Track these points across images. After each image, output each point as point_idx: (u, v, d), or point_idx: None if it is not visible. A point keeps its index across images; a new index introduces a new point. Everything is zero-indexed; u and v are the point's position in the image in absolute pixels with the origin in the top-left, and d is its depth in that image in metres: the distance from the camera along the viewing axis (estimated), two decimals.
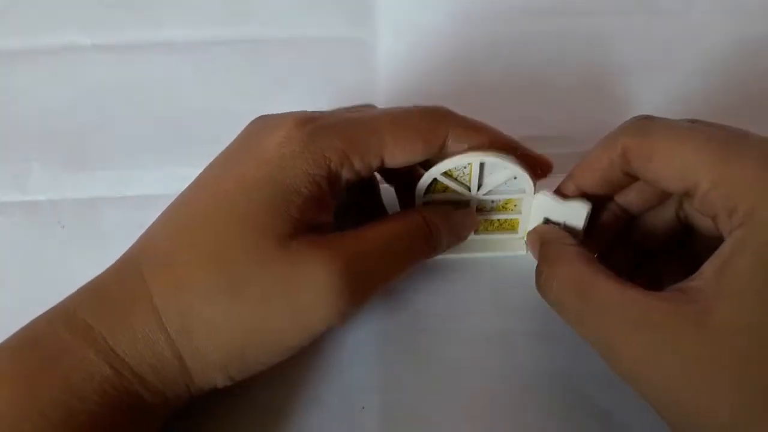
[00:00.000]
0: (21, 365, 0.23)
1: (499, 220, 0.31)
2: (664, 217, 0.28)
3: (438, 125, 0.26)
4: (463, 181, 0.28)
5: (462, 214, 0.29)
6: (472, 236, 0.31)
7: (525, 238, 0.31)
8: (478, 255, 0.31)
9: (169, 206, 0.26)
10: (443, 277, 0.31)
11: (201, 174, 0.26)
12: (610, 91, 0.37)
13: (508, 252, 0.31)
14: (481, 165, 0.27)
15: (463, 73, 0.38)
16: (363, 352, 0.29)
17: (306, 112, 0.26)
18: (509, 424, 0.27)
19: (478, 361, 0.29)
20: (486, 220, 0.31)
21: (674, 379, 0.21)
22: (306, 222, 0.24)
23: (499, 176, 0.28)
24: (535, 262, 0.27)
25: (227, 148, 0.27)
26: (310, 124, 0.25)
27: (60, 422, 0.22)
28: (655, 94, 0.37)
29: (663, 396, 0.21)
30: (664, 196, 0.28)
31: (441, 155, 0.27)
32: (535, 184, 0.28)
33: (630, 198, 0.28)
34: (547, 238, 0.27)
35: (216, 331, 0.23)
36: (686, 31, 0.39)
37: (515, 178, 0.28)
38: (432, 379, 0.28)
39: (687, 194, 0.23)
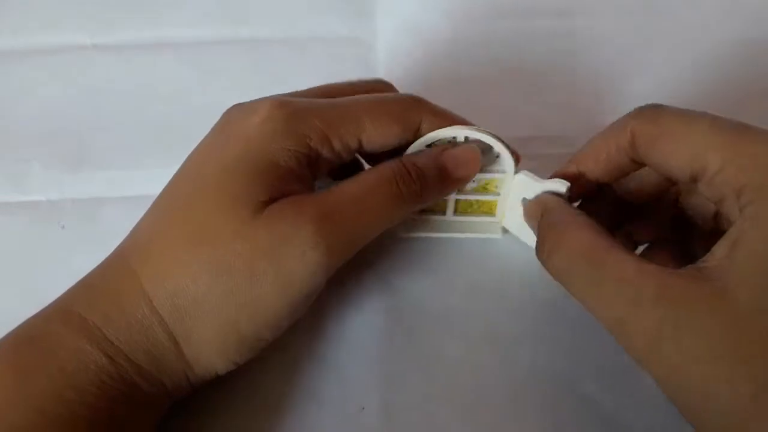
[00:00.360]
0: (17, 360, 0.23)
1: (478, 201, 0.31)
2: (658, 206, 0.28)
3: (412, 111, 0.27)
4: None
5: (459, 151, 0.28)
6: (450, 217, 0.31)
7: (501, 221, 0.31)
8: (455, 235, 0.32)
9: (155, 199, 0.26)
10: (444, 277, 0.31)
11: (182, 164, 0.27)
12: (608, 91, 0.38)
13: (484, 234, 0.32)
14: (466, 140, 0.28)
15: (462, 73, 0.38)
16: (363, 352, 0.29)
17: (283, 96, 0.27)
18: (509, 424, 0.27)
19: (478, 361, 0.29)
20: (465, 201, 0.31)
21: (691, 357, 0.20)
22: (283, 191, 0.25)
23: (483, 158, 0.28)
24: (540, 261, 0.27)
25: (206, 137, 0.27)
26: (290, 105, 0.26)
27: (57, 415, 0.22)
28: (655, 94, 0.37)
29: (677, 376, 0.20)
30: (663, 186, 0.28)
31: (414, 139, 0.28)
32: (516, 165, 0.29)
33: (630, 186, 0.28)
34: (551, 206, 0.27)
35: (206, 308, 0.24)
36: (686, 31, 0.39)
37: (497, 156, 0.28)
38: (432, 379, 0.28)
39: (694, 179, 0.23)
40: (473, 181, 0.30)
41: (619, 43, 0.39)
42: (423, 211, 0.31)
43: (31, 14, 0.41)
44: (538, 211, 0.27)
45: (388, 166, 0.27)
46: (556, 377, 0.28)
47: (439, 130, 0.28)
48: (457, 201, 0.31)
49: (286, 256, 0.24)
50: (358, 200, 0.26)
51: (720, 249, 0.21)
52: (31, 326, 0.24)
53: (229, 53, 0.39)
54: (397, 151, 0.28)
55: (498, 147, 0.28)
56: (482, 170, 0.29)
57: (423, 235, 0.32)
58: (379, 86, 0.31)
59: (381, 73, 0.38)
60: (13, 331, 0.24)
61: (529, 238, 0.29)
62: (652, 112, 0.24)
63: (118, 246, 0.26)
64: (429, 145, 0.28)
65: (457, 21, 0.40)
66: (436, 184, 0.28)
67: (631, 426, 0.27)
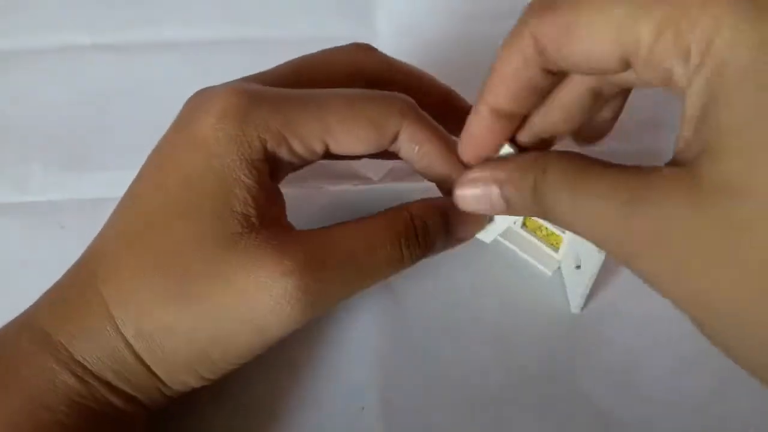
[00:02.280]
0: None
1: (548, 229, 0.30)
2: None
3: (391, 118, 0.24)
4: None
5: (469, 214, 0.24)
6: (517, 227, 0.30)
7: (559, 261, 0.30)
8: (512, 248, 0.30)
9: (119, 202, 0.25)
10: (444, 277, 0.31)
11: (145, 162, 0.25)
12: None
13: (538, 264, 0.30)
14: None
15: (463, 73, 0.38)
16: (363, 352, 0.29)
17: (244, 83, 0.24)
18: (509, 424, 0.27)
19: (478, 360, 0.29)
20: (536, 222, 0.30)
21: (682, 262, 0.17)
22: (253, 215, 0.22)
23: None
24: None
25: (167, 132, 0.25)
26: (246, 98, 0.23)
27: None
28: (654, 93, 0.37)
29: (681, 285, 0.18)
30: (596, 102, 0.23)
31: (391, 150, 0.25)
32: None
33: (554, 118, 0.23)
34: (513, 168, 0.22)
35: (173, 335, 0.22)
36: None
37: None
38: (432, 378, 0.28)
39: (626, 62, 0.19)
40: None
41: None
42: None
43: (31, 14, 0.41)
44: (488, 192, 0.23)
45: (395, 220, 0.24)
46: (555, 377, 0.28)
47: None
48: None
49: (262, 306, 0.22)
50: (353, 257, 0.23)
51: (682, 133, 0.18)
52: (1, 338, 0.23)
53: (229, 53, 0.39)
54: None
55: None
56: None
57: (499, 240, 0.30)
58: (360, 54, 0.27)
59: None
60: None
61: (573, 293, 0.29)
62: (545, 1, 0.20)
63: (85, 253, 0.25)
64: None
65: (458, 21, 0.40)
66: (440, 246, 0.25)
67: (630, 424, 0.27)
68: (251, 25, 0.40)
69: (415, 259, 0.24)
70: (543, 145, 0.24)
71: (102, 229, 0.25)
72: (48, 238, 0.33)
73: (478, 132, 0.23)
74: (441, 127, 0.25)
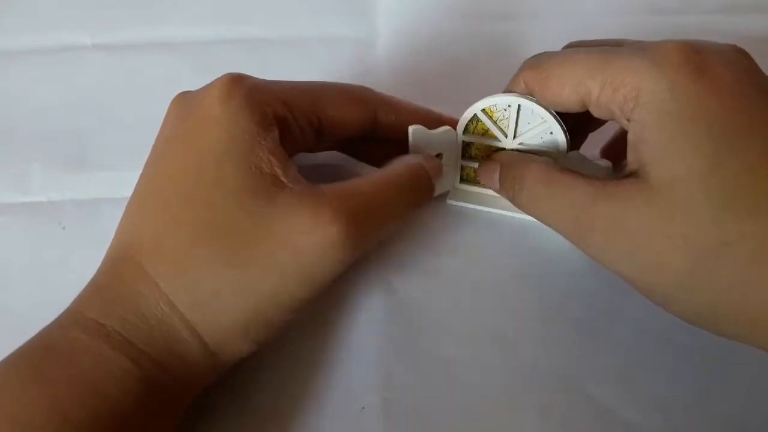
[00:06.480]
0: (39, 369, 0.23)
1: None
2: None
3: (367, 95, 0.29)
4: (501, 126, 0.29)
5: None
6: (493, 194, 0.32)
7: None
8: (501, 212, 0.32)
9: (133, 198, 0.27)
10: (444, 276, 0.31)
11: (151, 160, 0.27)
12: None
13: (505, 210, 0.32)
14: (519, 113, 0.28)
15: (463, 73, 0.38)
16: (363, 352, 0.29)
17: (232, 73, 0.27)
18: (509, 424, 0.27)
19: (478, 361, 0.29)
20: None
21: (635, 240, 0.23)
22: (281, 174, 0.25)
23: (535, 130, 0.29)
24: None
25: (165, 130, 0.27)
26: (245, 81, 0.26)
27: (83, 423, 0.22)
28: None
29: (630, 259, 0.24)
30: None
31: (375, 128, 0.29)
32: (568, 143, 0.29)
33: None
34: (505, 159, 0.29)
35: (227, 299, 0.24)
36: (686, 31, 0.39)
37: (551, 133, 0.29)
38: (432, 379, 0.28)
39: (584, 106, 0.26)
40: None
41: None
42: (473, 183, 0.32)
43: (31, 14, 0.41)
44: (496, 168, 0.29)
45: (411, 169, 0.28)
46: (556, 376, 0.28)
47: (496, 95, 0.28)
48: None
49: (307, 252, 0.24)
50: (382, 202, 0.27)
51: (630, 154, 0.25)
52: (48, 335, 0.24)
53: (229, 53, 0.39)
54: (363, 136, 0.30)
55: (551, 123, 0.28)
56: (532, 144, 0.29)
57: (471, 206, 0.32)
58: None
59: (381, 73, 0.38)
60: (30, 340, 0.24)
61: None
62: (535, 59, 0.27)
63: (115, 250, 0.26)
64: (473, 119, 0.29)
65: (457, 21, 0.40)
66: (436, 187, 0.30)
67: (630, 423, 0.27)
68: (251, 25, 0.40)
69: (427, 197, 0.30)
70: None
71: (122, 227, 0.26)
72: (48, 238, 0.33)
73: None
74: (403, 100, 0.31)
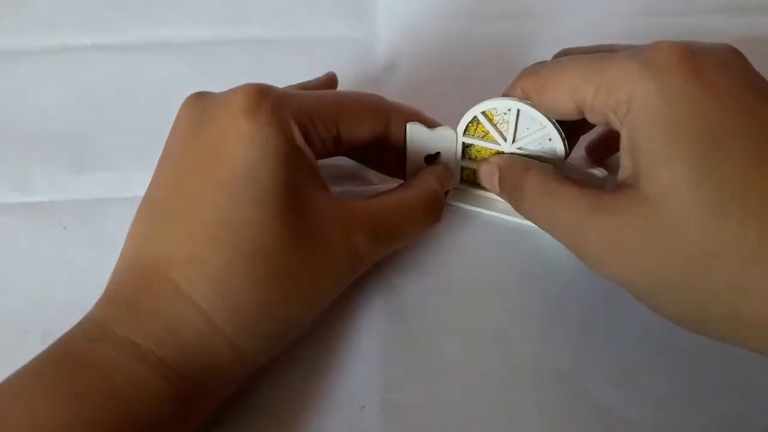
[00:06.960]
0: (68, 383, 0.22)
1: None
2: None
3: (381, 104, 0.30)
4: (501, 130, 0.29)
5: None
6: (493, 196, 0.32)
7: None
8: (499, 215, 0.32)
9: (155, 205, 0.26)
10: (445, 276, 0.31)
11: (166, 165, 0.27)
12: None
13: (525, 220, 0.31)
14: (518, 118, 0.29)
15: (463, 73, 0.38)
16: (363, 352, 0.29)
17: (255, 84, 0.26)
18: (509, 424, 0.27)
19: (479, 361, 0.29)
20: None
21: (629, 250, 0.24)
22: (316, 188, 0.26)
23: (534, 136, 0.29)
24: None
25: (183, 135, 0.27)
26: (271, 94, 0.26)
27: None
28: None
29: (624, 269, 0.25)
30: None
31: (388, 134, 0.30)
32: (567, 151, 0.29)
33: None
34: (508, 163, 0.30)
35: (269, 315, 0.25)
36: (686, 32, 0.39)
37: (550, 140, 0.29)
38: (432, 379, 0.28)
39: (580, 111, 0.27)
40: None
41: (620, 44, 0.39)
42: (475, 185, 0.32)
43: (31, 14, 0.41)
44: (495, 172, 0.30)
45: (427, 194, 0.30)
46: (556, 376, 0.28)
47: (496, 99, 0.29)
48: None
49: (339, 260, 0.26)
50: (398, 222, 0.29)
51: (623, 162, 0.25)
52: (75, 347, 0.23)
53: (229, 53, 0.39)
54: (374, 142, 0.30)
55: (549, 130, 0.28)
56: (531, 149, 0.30)
57: (471, 208, 0.32)
58: (329, 82, 0.33)
59: (381, 73, 0.38)
60: (52, 350, 0.23)
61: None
62: (532, 68, 0.28)
63: (140, 257, 0.25)
64: (483, 112, 0.29)
65: (458, 21, 0.40)
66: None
67: (631, 422, 0.27)
68: (251, 25, 0.40)
69: (437, 221, 0.31)
70: None
71: (149, 234, 0.25)
72: (49, 238, 0.33)
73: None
74: (413, 108, 0.31)
